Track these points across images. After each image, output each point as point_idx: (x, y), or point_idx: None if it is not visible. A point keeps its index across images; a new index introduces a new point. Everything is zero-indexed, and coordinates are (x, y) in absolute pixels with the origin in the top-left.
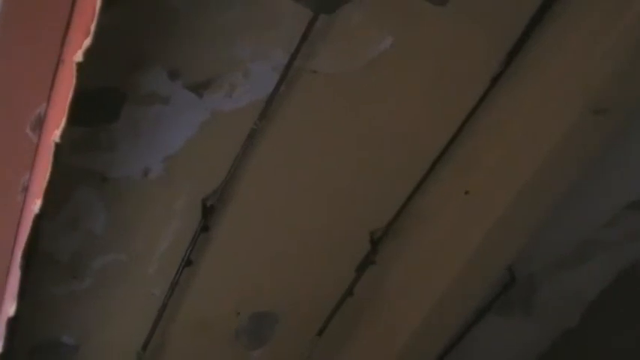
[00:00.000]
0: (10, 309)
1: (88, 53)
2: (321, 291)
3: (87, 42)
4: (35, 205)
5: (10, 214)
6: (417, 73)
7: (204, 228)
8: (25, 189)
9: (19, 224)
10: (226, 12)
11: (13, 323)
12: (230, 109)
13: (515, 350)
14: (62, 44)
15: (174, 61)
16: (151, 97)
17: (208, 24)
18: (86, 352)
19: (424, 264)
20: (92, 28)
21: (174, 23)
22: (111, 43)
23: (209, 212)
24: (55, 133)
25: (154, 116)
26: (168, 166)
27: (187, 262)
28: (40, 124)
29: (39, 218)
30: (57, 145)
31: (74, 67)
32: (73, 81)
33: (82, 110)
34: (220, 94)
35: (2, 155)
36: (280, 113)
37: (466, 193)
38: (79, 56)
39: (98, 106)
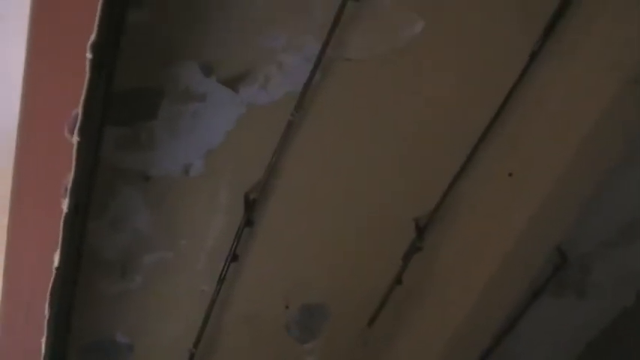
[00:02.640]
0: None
1: (95, 48)
2: (369, 280)
3: (92, 36)
4: (64, 203)
5: (53, 219)
6: (452, 54)
7: (248, 222)
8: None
9: None
10: (256, 1)
11: (49, 324)
12: (266, 102)
13: (572, 331)
14: None
15: (207, 55)
16: (187, 95)
17: (237, 13)
18: (140, 351)
19: (471, 248)
20: (96, 20)
21: (202, 15)
22: (139, 41)
23: (252, 206)
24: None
25: (192, 114)
26: (209, 162)
27: (233, 257)
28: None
29: (69, 217)
30: (78, 144)
31: (87, 64)
32: (87, 77)
33: (120, 110)
34: (255, 87)
35: (43, 159)
36: (316, 103)
37: (510, 175)
38: (87, 52)
39: (135, 105)
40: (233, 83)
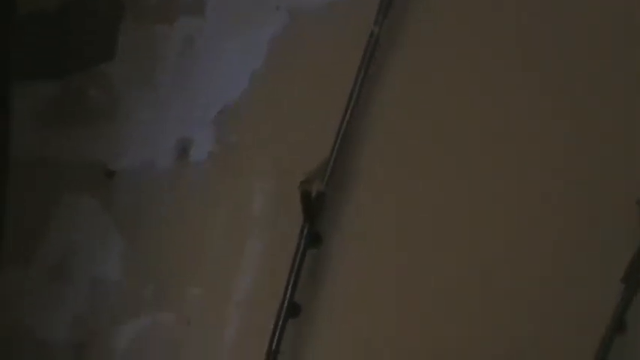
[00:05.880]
0: None
1: None
2: None
3: None
4: None
5: None
6: None
7: (313, 240)
8: None
9: None
10: None
11: None
12: (321, 3)
13: None
14: None
15: None
16: (168, 7)
17: None
18: None
19: None
20: None
21: None
22: None
23: (315, 211)
24: None
25: (183, 40)
26: (224, 132)
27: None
28: None
29: None
30: None
31: None
32: None
33: (39, 48)
34: None
35: None
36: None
37: None
38: None
39: (70, 38)
40: None
